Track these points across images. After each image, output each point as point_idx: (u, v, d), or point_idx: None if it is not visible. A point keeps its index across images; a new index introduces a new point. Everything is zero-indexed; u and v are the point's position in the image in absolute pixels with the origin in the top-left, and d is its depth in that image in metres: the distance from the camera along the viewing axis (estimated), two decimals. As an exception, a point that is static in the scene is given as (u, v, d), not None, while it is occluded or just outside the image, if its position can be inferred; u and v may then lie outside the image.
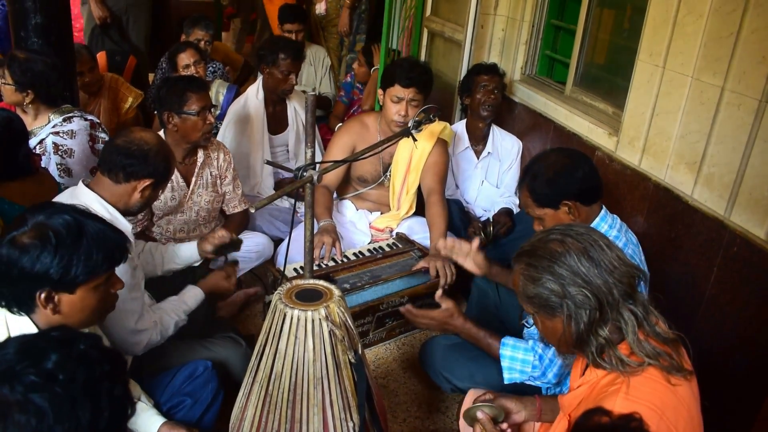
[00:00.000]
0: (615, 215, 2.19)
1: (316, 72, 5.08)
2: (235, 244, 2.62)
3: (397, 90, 3.00)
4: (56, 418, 1.00)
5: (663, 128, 2.54)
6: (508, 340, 2.09)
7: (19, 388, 1.00)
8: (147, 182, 2.14)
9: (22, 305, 1.54)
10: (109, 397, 1.10)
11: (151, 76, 5.19)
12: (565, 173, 2.07)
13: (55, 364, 1.04)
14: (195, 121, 2.79)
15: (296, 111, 3.89)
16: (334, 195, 3.47)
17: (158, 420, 1.89)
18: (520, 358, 2.05)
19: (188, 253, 2.59)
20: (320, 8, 5.41)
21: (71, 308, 1.55)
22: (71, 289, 1.53)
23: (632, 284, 1.49)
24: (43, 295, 1.51)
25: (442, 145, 3.23)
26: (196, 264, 2.63)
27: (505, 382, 2.08)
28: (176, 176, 2.87)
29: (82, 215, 1.58)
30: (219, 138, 3.59)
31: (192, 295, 2.36)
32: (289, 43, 3.76)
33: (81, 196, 2.10)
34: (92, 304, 1.59)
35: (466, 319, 2.26)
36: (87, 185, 2.14)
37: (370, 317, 2.75)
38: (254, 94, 3.79)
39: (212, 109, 2.86)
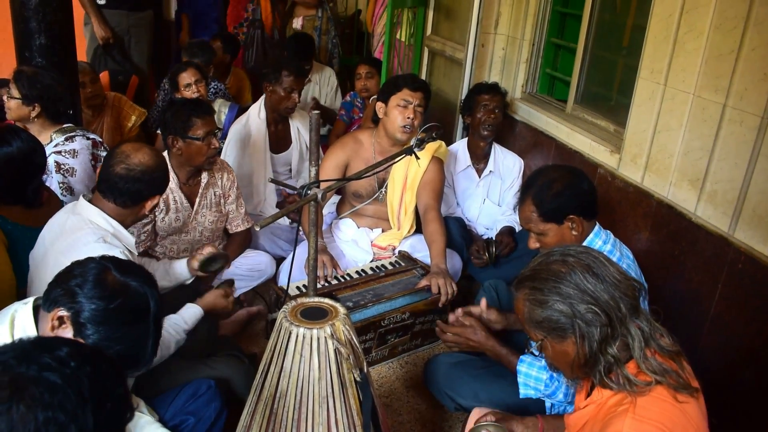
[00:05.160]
0: (608, 231, 2.20)
1: (321, 90, 5.12)
2: (223, 258, 2.62)
3: (406, 94, 3.04)
4: (65, 396, 1.06)
5: (665, 145, 2.54)
6: (526, 358, 2.08)
7: (34, 366, 1.07)
8: (156, 199, 2.22)
9: None
10: (112, 394, 1.15)
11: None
12: (572, 187, 2.09)
13: (67, 354, 1.12)
14: (200, 146, 2.78)
15: (299, 130, 3.89)
16: (334, 214, 3.48)
17: None
18: (534, 375, 2.04)
19: (179, 270, 2.58)
20: (297, 23, 5.64)
21: None
22: None
23: (636, 298, 1.50)
24: None
25: (438, 163, 3.25)
26: (188, 282, 2.62)
27: (521, 397, 2.08)
28: (180, 197, 2.87)
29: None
30: (222, 157, 3.60)
31: (191, 314, 2.34)
32: (292, 61, 3.78)
33: (83, 211, 2.10)
34: None
35: (488, 335, 2.26)
36: (89, 200, 2.14)
37: (371, 333, 2.73)
38: (256, 114, 3.78)
39: (217, 132, 2.87)
